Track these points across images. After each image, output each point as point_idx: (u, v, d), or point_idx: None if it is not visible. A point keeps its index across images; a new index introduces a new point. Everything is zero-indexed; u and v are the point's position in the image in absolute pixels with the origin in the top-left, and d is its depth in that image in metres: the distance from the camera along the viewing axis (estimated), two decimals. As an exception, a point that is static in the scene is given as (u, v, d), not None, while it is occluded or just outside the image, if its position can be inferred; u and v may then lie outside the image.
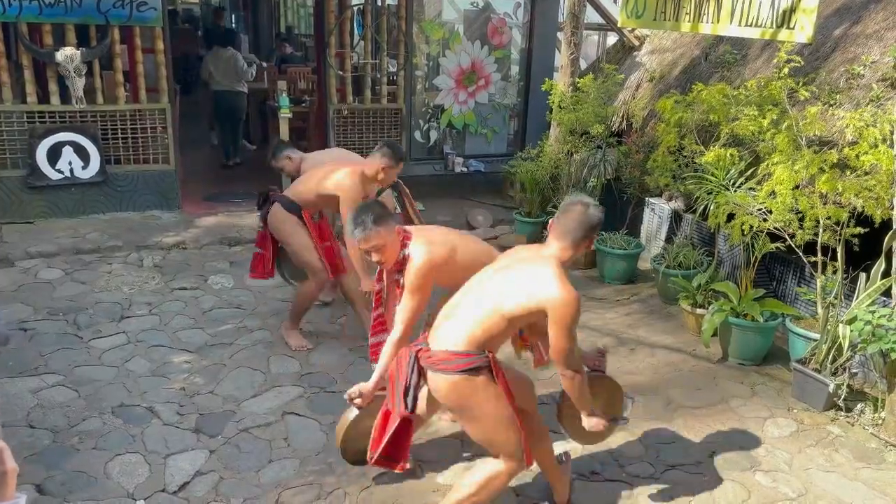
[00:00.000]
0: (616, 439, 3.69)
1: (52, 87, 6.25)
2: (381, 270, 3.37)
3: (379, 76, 7.50)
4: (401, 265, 3.16)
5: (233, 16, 16.09)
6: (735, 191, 4.56)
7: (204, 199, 7.25)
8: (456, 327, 2.63)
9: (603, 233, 5.98)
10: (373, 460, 2.89)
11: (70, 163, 6.36)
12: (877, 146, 3.79)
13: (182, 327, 4.73)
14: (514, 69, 8.00)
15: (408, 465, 2.96)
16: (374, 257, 3.13)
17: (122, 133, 6.58)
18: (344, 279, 4.56)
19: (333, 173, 4.26)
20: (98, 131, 6.45)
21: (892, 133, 3.81)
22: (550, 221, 2.80)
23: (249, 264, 4.70)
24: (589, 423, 2.80)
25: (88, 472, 3.28)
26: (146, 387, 4.00)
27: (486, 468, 2.74)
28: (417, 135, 7.75)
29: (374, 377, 3.11)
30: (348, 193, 4.12)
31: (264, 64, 10.24)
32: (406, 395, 2.68)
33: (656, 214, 6.15)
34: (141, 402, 3.86)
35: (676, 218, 5.94)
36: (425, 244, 3.15)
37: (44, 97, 6.35)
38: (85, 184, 6.49)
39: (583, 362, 2.76)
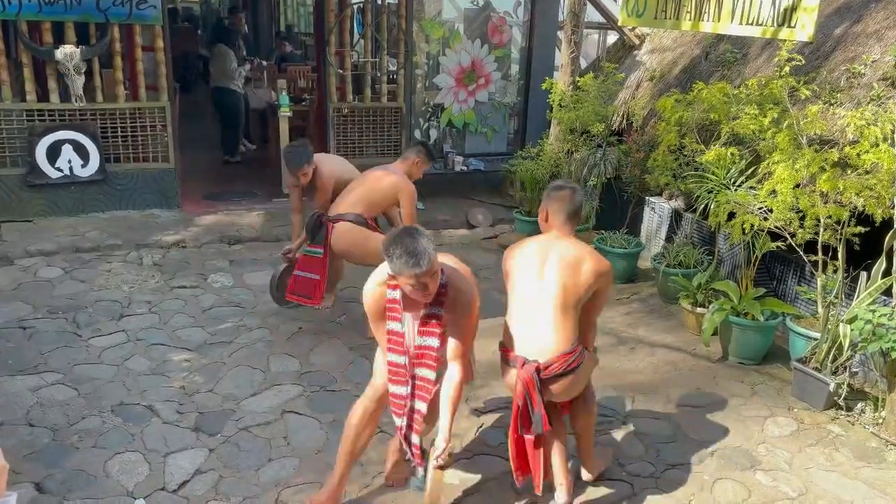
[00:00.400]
0: (615, 438, 3.69)
1: (52, 85, 6.24)
2: (396, 308, 2.80)
3: (379, 75, 7.49)
4: (439, 297, 2.74)
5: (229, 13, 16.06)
6: (736, 190, 4.56)
7: (204, 198, 7.24)
8: (549, 334, 2.91)
9: (603, 231, 5.98)
10: (539, 488, 3.02)
11: (70, 161, 6.35)
12: (877, 145, 3.78)
13: (182, 326, 4.72)
14: (515, 68, 7.99)
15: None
16: (430, 287, 2.63)
17: (121, 131, 6.57)
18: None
19: (382, 181, 4.53)
20: (97, 129, 6.44)
21: (892, 132, 3.80)
22: (543, 208, 3.12)
23: (300, 290, 4.53)
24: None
25: (88, 471, 3.27)
26: (146, 385, 4.00)
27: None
28: (417, 133, 7.73)
29: (447, 428, 2.71)
30: (411, 193, 4.51)
31: (264, 63, 10.23)
32: (534, 415, 2.87)
33: (656, 213, 6.14)
34: (140, 400, 3.85)
35: (677, 217, 5.94)
36: (458, 269, 2.87)
37: (43, 95, 6.34)
38: (84, 182, 6.48)
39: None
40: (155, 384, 4.01)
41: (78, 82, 6.19)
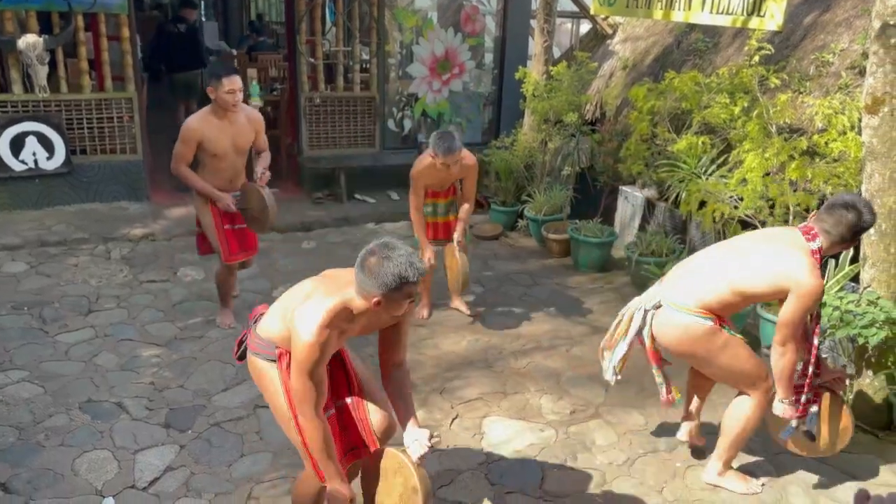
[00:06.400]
0: (589, 427, 3.71)
1: (14, 75, 6.08)
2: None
3: (351, 64, 7.41)
4: None
5: (202, 2, 15.80)
6: (707, 178, 4.58)
7: (173, 190, 7.10)
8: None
9: (577, 221, 5.99)
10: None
11: (34, 153, 6.21)
12: (845, 133, 3.83)
13: (151, 321, 4.65)
14: (488, 57, 7.95)
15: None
16: None
17: (87, 123, 6.43)
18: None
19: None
20: (63, 121, 6.30)
21: (860, 120, 3.84)
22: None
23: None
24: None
25: (55, 470, 3.21)
26: (114, 381, 3.93)
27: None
28: (391, 124, 7.68)
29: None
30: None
31: (234, 51, 10.08)
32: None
33: (629, 203, 6.16)
34: (109, 397, 3.78)
35: (649, 206, 5.96)
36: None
37: (5, 86, 6.18)
38: (50, 175, 6.34)
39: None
40: (124, 380, 3.95)
41: (41, 73, 6.04)
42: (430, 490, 2.51)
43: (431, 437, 2.54)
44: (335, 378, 2.67)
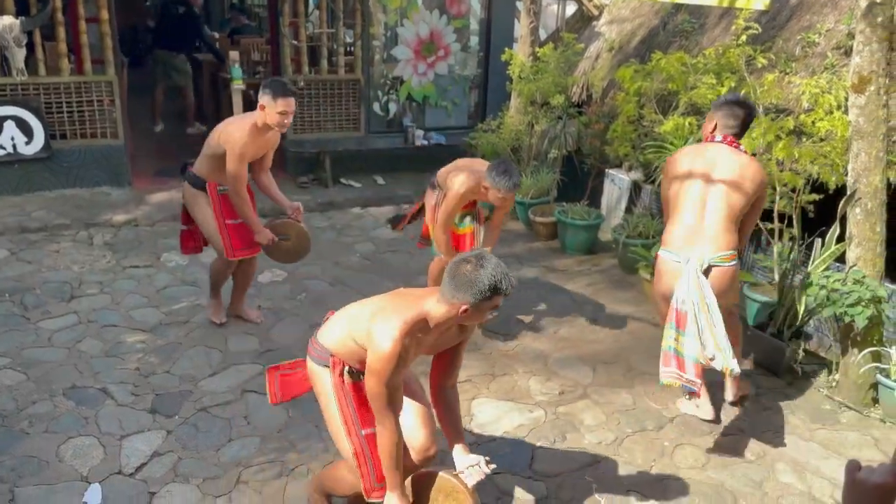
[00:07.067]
0: (577, 407, 3.72)
1: (-10, 58, 5.96)
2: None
3: (335, 46, 7.32)
4: None
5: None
6: (694, 159, 4.57)
7: (156, 175, 7.02)
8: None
9: (564, 204, 5.98)
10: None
11: (12, 138, 6.08)
12: (831, 113, 3.83)
13: (135, 306, 4.59)
14: (474, 39, 7.89)
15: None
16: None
17: (67, 107, 6.32)
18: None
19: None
20: (41, 105, 6.17)
21: (846, 100, 3.85)
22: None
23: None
24: None
25: (40, 457, 3.17)
26: (99, 368, 3.88)
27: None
28: (376, 107, 7.61)
29: None
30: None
31: (215, 34, 9.92)
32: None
33: (616, 185, 6.16)
34: (94, 383, 3.74)
35: (636, 188, 5.96)
36: None
37: (-19, 69, 6.06)
38: (29, 160, 6.22)
39: None
40: (108, 366, 3.90)
41: (19, 55, 5.91)
42: None
43: (488, 463, 2.55)
44: None
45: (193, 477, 3.10)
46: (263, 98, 3.79)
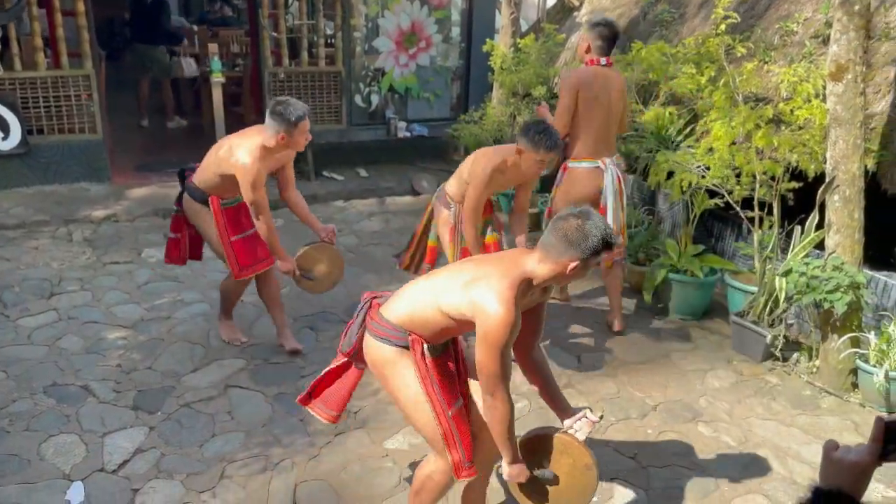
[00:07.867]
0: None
1: (-36, 52, 5.87)
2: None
3: (316, 38, 7.28)
4: None
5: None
6: (674, 149, 4.60)
7: (135, 170, 6.95)
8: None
9: (546, 195, 5.98)
10: None
11: (-12, 133, 6.01)
12: (810, 101, 3.86)
13: (116, 302, 4.55)
14: (455, 31, 7.87)
15: None
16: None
17: (44, 101, 6.23)
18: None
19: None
20: (17, 100, 6.08)
21: (824, 88, 3.88)
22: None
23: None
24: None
25: (21, 455, 3.14)
26: (80, 365, 3.84)
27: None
28: (358, 99, 7.57)
29: None
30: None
31: (194, 27, 9.82)
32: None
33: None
34: (75, 380, 3.70)
35: (618, 178, 5.97)
36: None
37: (-45, 64, 5.96)
38: (6, 156, 6.13)
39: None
40: (90, 363, 3.86)
41: (-8, 49, 5.83)
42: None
43: (593, 412, 2.52)
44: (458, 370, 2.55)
45: (177, 473, 3.09)
46: (281, 129, 3.53)
